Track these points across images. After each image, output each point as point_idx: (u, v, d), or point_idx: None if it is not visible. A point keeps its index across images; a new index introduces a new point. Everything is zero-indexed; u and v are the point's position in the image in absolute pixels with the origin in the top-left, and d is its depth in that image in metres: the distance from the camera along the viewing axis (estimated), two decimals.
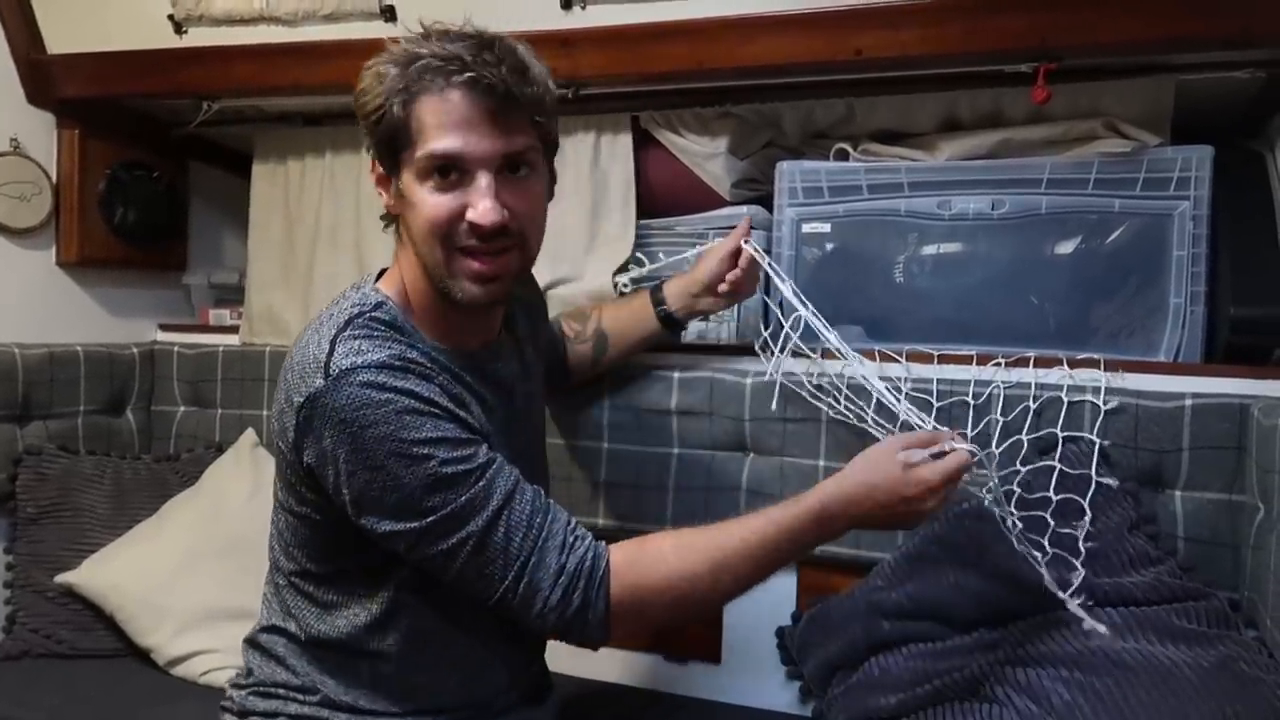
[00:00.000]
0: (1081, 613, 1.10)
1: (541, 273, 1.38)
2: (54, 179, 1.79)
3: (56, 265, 1.81)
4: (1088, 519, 1.20)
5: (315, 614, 1.04)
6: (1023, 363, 1.31)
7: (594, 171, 1.57)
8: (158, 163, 1.94)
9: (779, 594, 1.42)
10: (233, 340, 1.88)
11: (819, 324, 1.28)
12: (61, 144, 1.80)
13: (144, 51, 1.66)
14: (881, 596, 1.28)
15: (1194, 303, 1.29)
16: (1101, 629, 1.09)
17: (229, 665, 1.42)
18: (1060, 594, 1.11)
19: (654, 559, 0.97)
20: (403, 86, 0.92)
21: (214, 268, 2.09)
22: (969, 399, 1.31)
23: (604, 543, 0.97)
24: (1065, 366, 1.28)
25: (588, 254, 1.57)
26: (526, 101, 0.94)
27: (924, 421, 1.16)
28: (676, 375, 1.47)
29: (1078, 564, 1.16)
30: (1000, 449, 1.27)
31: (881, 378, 1.28)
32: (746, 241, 1.31)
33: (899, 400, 1.20)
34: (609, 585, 0.94)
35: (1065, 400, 1.27)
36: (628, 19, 1.39)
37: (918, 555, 1.29)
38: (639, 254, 1.56)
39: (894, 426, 1.23)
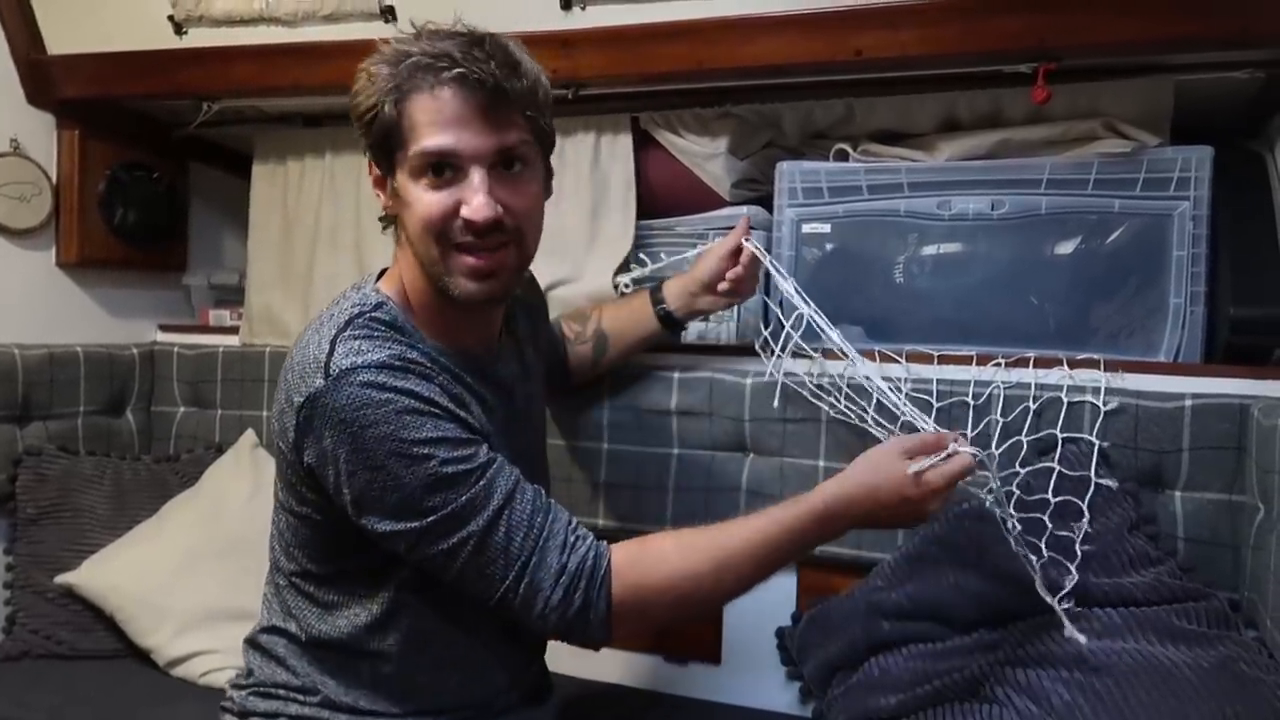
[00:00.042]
0: (1064, 619, 1.10)
1: (541, 273, 1.38)
2: (54, 180, 1.79)
3: (56, 266, 1.81)
4: (1086, 520, 1.20)
5: (316, 614, 1.04)
6: (1022, 363, 1.31)
7: (594, 172, 1.57)
8: (158, 163, 1.94)
9: (779, 594, 1.42)
10: (233, 341, 1.88)
11: (821, 321, 1.28)
12: (61, 144, 1.80)
13: (144, 52, 1.66)
14: (881, 597, 1.28)
15: (1194, 303, 1.29)
16: (1081, 639, 1.09)
17: (229, 666, 1.42)
18: (1048, 597, 1.10)
19: (656, 558, 0.97)
20: (394, 86, 0.92)
21: (214, 268, 2.09)
22: (969, 399, 1.31)
23: (605, 542, 0.97)
24: (1065, 367, 1.28)
25: (588, 254, 1.57)
26: (518, 96, 0.94)
27: (925, 422, 1.16)
28: (676, 375, 1.47)
29: (1072, 567, 1.16)
30: (1000, 449, 1.27)
31: (882, 378, 1.28)
32: (747, 239, 1.31)
33: (900, 400, 1.20)
34: (610, 585, 0.94)
35: (1065, 401, 1.27)
36: (628, 19, 1.39)
37: (918, 556, 1.29)
38: (639, 254, 1.56)
39: (895, 427, 1.23)
